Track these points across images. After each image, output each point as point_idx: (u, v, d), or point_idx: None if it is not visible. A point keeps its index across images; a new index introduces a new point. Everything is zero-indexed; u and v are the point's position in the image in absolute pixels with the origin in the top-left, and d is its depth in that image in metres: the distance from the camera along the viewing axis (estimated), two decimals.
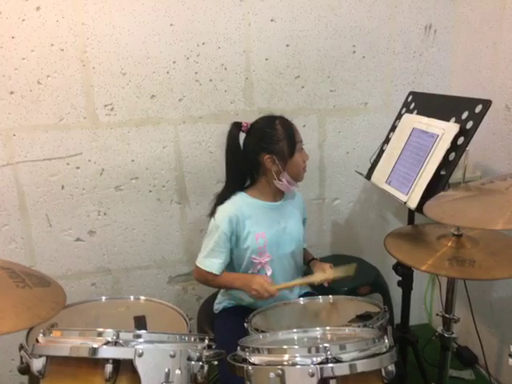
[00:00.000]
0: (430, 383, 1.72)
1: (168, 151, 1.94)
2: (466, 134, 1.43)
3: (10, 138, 1.79)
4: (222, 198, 1.57)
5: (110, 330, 1.00)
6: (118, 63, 1.81)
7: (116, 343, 0.99)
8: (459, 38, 2.07)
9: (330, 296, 1.51)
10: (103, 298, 1.46)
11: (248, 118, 1.58)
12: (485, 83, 1.93)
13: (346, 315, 1.36)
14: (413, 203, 1.48)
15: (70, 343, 1.00)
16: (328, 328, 1.18)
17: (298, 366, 0.97)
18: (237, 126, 1.55)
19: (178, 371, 1.02)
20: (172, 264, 2.08)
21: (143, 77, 1.85)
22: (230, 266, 1.58)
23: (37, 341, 1.03)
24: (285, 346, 1.02)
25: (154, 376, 1.00)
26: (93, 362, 0.99)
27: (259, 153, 1.51)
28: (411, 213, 1.75)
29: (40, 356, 1.01)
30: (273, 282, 1.46)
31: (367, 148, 2.07)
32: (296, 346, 1.05)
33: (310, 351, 0.99)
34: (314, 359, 0.96)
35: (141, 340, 1.02)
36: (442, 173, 1.45)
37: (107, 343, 0.98)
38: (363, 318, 1.30)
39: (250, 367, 1.01)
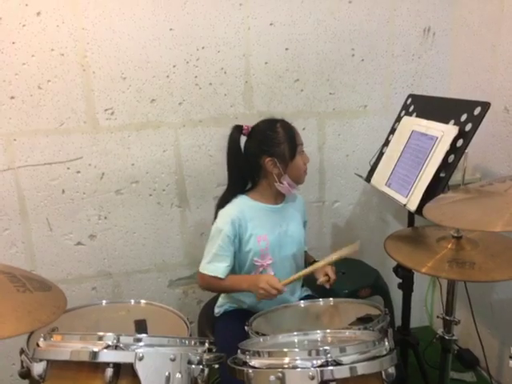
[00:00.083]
0: None
1: (168, 155, 1.95)
2: (465, 136, 1.43)
3: (11, 143, 1.80)
4: (223, 202, 1.57)
5: (110, 334, 1.00)
6: (118, 68, 1.82)
7: (116, 347, 0.99)
8: (458, 41, 2.08)
9: (331, 299, 1.51)
10: (104, 301, 1.46)
11: (248, 122, 1.59)
12: (484, 85, 1.93)
13: (346, 318, 1.37)
14: (412, 205, 1.48)
15: (70, 347, 1.00)
16: (328, 331, 1.19)
17: (299, 369, 0.97)
18: (238, 130, 1.56)
19: (178, 375, 1.02)
20: (172, 267, 2.08)
21: (143, 81, 1.85)
22: (232, 269, 1.58)
23: (37, 345, 1.03)
24: (285, 349, 1.02)
25: (155, 380, 1.00)
26: (93, 366, 0.99)
27: (260, 156, 1.52)
28: (411, 215, 1.76)
29: (41, 360, 1.01)
30: (279, 280, 1.44)
31: (367, 151, 2.08)
32: (296, 349, 1.05)
33: (310, 354, 0.99)
34: (314, 362, 0.96)
35: (141, 344, 1.02)
36: (442, 175, 1.45)
37: (108, 347, 0.98)
38: (364, 321, 1.30)
39: (250, 370, 1.01)
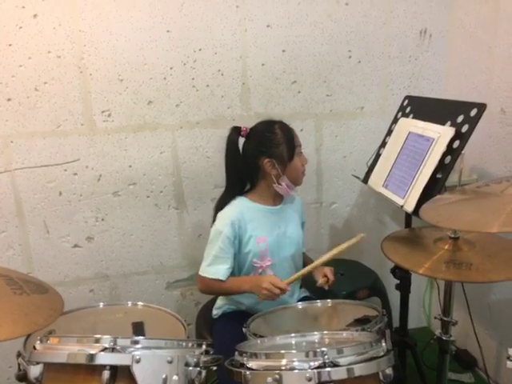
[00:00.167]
0: None
1: (165, 157, 1.95)
2: (461, 137, 1.43)
3: (8, 145, 1.79)
4: (221, 204, 1.57)
5: (107, 337, 1.00)
6: (115, 69, 1.82)
7: (113, 349, 0.99)
8: (454, 43, 2.08)
9: (329, 300, 1.51)
10: (101, 304, 1.45)
11: (245, 123, 1.59)
12: (480, 87, 1.94)
13: (344, 319, 1.36)
14: (409, 207, 1.48)
15: (67, 350, 1.00)
16: (326, 332, 1.18)
17: (296, 371, 0.97)
18: (236, 131, 1.56)
19: (175, 377, 1.02)
20: (170, 269, 2.07)
21: (140, 83, 1.85)
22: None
23: (34, 348, 1.03)
24: (282, 351, 1.02)
25: (152, 382, 1.00)
26: (90, 369, 0.99)
27: (259, 157, 1.52)
28: (408, 216, 1.76)
29: (37, 363, 1.01)
30: (281, 279, 1.43)
31: (364, 152, 2.09)
32: (293, 351, 1.05)
33: (307, 356, 0.99)
34: (312, 364, 0.96)
35: (138, 346, 1.01)
36: (438, 176, 1.46)
37: (104, 349, 0.98)
38: (361, 322, 1.30)
39: (247, 372, 1.01)
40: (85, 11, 1.74)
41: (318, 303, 1.51)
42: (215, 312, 1.68)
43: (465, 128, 1.43)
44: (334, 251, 1.48)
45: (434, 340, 1.53)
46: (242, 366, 1.04)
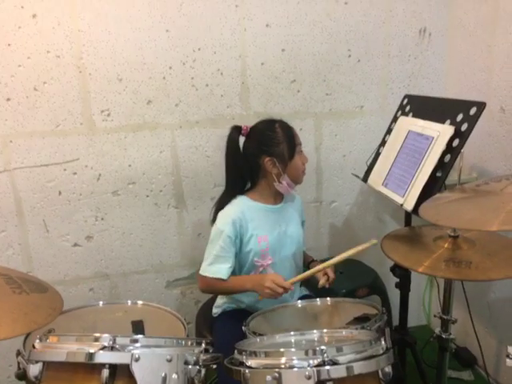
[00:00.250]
0: None
1: (165, 156, 1.95)
2: (461, 136, 1.43)
3: (7, 145, 1.79)
4: (222, 203, 1.57)
5: (106, 335, 1.00)
6: (115, 69, 1.82)
7: (112, 348, 0.99)
8: (454, 41, 2.08)
9: (328, 298, 1.51)
10: (100, 303, 1.46)
11: (244, 122, 1.59)
12: (479, 85, 1.94)
13: (344, 317, 1.37)
14: (409, 205, 1.48)
15: (66, 349, 1.00)
16: (325, 330, 1.18)
17: (295, 369, 0.97)
18: (236, 130, 1.56)
19: (174, 375, 1.02)
20: (170, 268, 2.08)
21: (139, 82, 1.85)
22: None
23: (33, 346, 1.03)
24: (281, 349, 1.02)
25: (151, 381, 1.00)
26: (89, 367, 0.99)
27: (259, 155, 1.52)
28: (408, 215, 1.76)
29: (36, 362, 1.00)
30: (284, 278, 1.43)
31: (363, 151, 2.09)
32: (293, 349, 1.05)
33: (306, 354, 0.99)
34: (311, 362, 0.96)
35: (137, 345, 1.01)
36: (438, 175, 1.46)
37: (104, 348, 0.98)
38: (361, 320, 1.30)
39: (247, 370, 1.01)
40: (84, 11, 1.74)
41: (318, 301, 1.51)
42: (215, 310, 1.68)
43: (464, 126, 1.43)
44: (343, 255, 1.46)
45: (434, 338, 1.54)
46: (242, 364, 1.04)
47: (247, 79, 1.95)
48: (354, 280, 1.94)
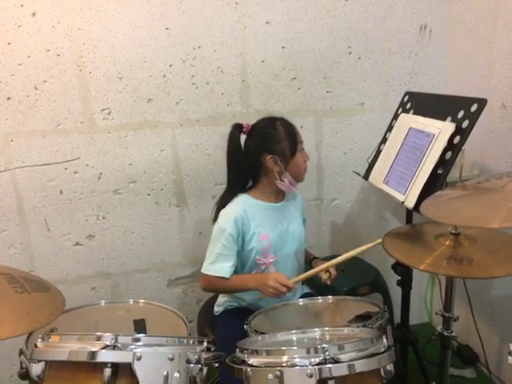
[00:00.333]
0: (430, 382, 1.71)
1: (166, 154, 1.95)
2: (462, 132, 1.43)
3: (8, 144, 1.79)
4: (224, 201, 1.57)
5: (108, 334, 1.00)
6: (115, 67, 1.81)
7: (114, 347, 0.99)
8: (454, 38, 2.07)
9: (330, 296, 1.51)
10: (102, 302, 1.46)
11: (245, 120, 1.59)
12: (480, 82, 1.93)
13: (345, 315, 1.37)
14: (410, 203, 1.48)
15: (68, 348, 1.00)
16: (327, 329, 1.19)
17: (297, 367, 0.97)
18: (238, 128, 1.56)
19: (176, 374, 1.02)
20: (171, 267, 2.08)
21: (140, 81, 1.85)
22: None
23: (36, 346, 1.03)
24: (283, 348, 1.02)
25: (153, 379, 1.00)
26: (91, 366, 0.99)
27: (261, 153, 1.52)
28: (409, 212, 1.76)
29: (39, 361, 1.01)
30: (287, 277, 1.43)
31: (364, 148, 2.08)
32: (294, 348, 1.05)
33: (308, 352, 0.99)
34: (313, 360, 0.97)
35: (139, 343, 1.02)
36: (439, 172, 1.45)
37: (106, 347, 0.99)
38: (362, 318, 1.30)
39: (248, 369, 1.02)
40: (83, 9, 1.74)
41: (319, 300, 1.51)
42: (217, 309, 1.68)
43: (465, 123, 1.43)
44: (348, 254, 1.47)
45: (436, 336, 1.53)
46: (243, 362, 1.04)
47: (247, 77, 1.95)
48: (356, 278, 1.94)
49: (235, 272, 1.55)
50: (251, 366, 1.02)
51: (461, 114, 1.46)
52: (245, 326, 1.33)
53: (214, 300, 1.73)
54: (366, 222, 2.27)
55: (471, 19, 1.96)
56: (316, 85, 2.03)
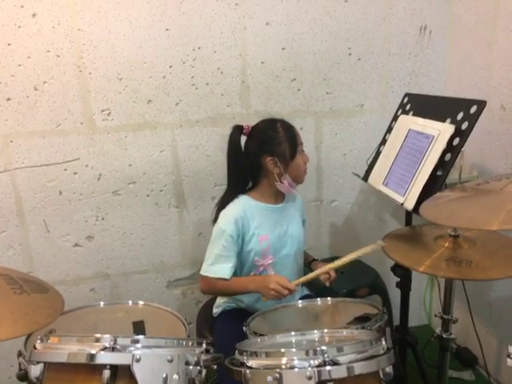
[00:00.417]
0: None
1: (165, 155, 1.95)
2: (461, 134, 1.43)
3: (7, 145, 1.79)
4: (224, 203, 1.57)
5: (107, 336, 1.00)
6: (115, 68, 1.81)
7: (113, 349, 0.99)
8: (454, 39, 2.08)
9: (329, 298, 1.51)
10: (101, 303, 1.46)
11: (245, 121, 1.59)
12: (480, 83, 1.93)
13: (344, 317, 1.36)
14: (409, 204, 1.48)
15: (67, 349, 1.00)
16: (326, 330, 1.18)
17: (296, 369, 0.97)
18: (238, 129, 1.56)
19: (175, 376, 1.02)
20: (171, 268, 2.08)
21: (140, 81, 1.85)
22: None
23: (34, 347, 1.03)
24: (282, 350, 1.02)
25: (152, 381, 1.00)
26: (90, 368, 0.99)
27: (261, 155, 1.52)
28: (408, 214, 1.76)
29: (38, 362, 1.00)
30: (288, 279, 1.43)
31: (364, 150, 2.08)
32: (293, 350, 1.05)
33: (307, 354, 0.99)
34: (312, 362, 0.96)
35: (138, 345, 1.01)
36: (439, 173, 1.46)
37: (105, 349, 0.98)
38: (361, 320, 1.30)
39: (247, 371, 1.01)
40: (83, 10, 1.74)
41: (319, 301, 1.51)
42: (215, 310, 1.68)
43: (465, 125, 1.43)
44: (349, 257, 1.46)
45: (435, 338, 1.54)
46: (242, 364, 1.04)
47: (247, 78, 1.95)
48: (355, 280, 1.94)
49: (234, 274, 1.55)
50: (250, 368, 1.02)
51: (460, 115, 1.47)
52: (244, 328, 1.32)
53: (212, 302, 1.73)
54: (366, 223, 2.27)
55: (471, 20, 1.96)
56: (316, 86, 2.03)
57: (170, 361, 1.02)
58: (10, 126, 1.78)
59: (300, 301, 1.54)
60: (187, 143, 1.96)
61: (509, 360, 1.11)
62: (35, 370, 1.00)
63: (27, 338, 1.20)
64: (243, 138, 1.57)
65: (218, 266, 1.50)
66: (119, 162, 1.91)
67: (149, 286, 2.07)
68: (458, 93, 2.04)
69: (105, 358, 0.98)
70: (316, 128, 2.09)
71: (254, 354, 1.04)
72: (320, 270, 1.48)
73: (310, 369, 0.96)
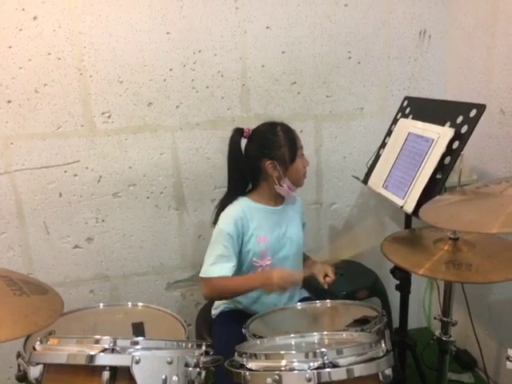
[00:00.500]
0: None
1: (165, 158, 1.95)
2: (460, 138, 1.44)
3: (8, 147, 1.80)
4: (224, 205, 1.58)
5: (106, 337, 1.00)
6: (115, 71, 1.82)
7: (113, 350, 0.99)
8: (453, 43, 2.09)
9: (328, 300, 1.51)
10: (101, 304, 1.45)
11: (245, 125, 1.59)
12: (479, 87, 1.94)
13: (344, 320, 1.37)
14: (409, 207, 1.48)
15: (67, 351, 1.00)
16: (325, 333, 1.18)
17: (295, 372, 0.97)
18: (238, 132, 1.56)
19: (175, 378, 1.02)
20: (170, 270, 2.08)
21: (140, 84, 1.86)
22: None
23: (34, 348, 1.03)
24: (282, 352, 1.02)
25: (152, 383, 1.00)
26: (90, 370, 0.99)
27: (261, 158, 1.52)
28: (408, 217, 1.76)
29: (37, 364, 1.01)
30: (290, 272, 1.44)
31: (364, 153, 2.09)
32: (293, 352, 1.05)
33: (307, 356, 0.99)
34: (311, 364, 0.97)
35: (138, 347, 1.01)
36: (438, 177, 1.46)
37: (104, 350, 0.98)
38: (361, 323, 1.30)
39: (247, 373, 1.01)
40: (84, 13, 1.75)
41: (318, 304, 1.51)
42: (214, 312, 1.68)
43: (464, 129, 1.44)
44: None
45: (434, 340, 1.53)
46: (242, 366, 1.04)
47: (247, 81, 1.96)
48: (354, 282, 1.94)
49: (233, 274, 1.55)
50: (250, 369, 1.02)
51: (460, 119, 1.47)
52: (243, 330, 1.32)
53: (211, 304, 1.73)
54: (365, 226, 2.27)
55: (470, 25, 1.97)
56: (316, 89, 2.04)
57: (170, 362, 1.02)
58: (11, 128, 1.78)
59: (299, 303, 1.54)
60: (187, 146, 1.96)
61: (508, 363, 1.11)
62: (34, 371, 1.00)
63: (26, 339, 1.19)
64: (243, 141, 1.58)
65: (219, 266, 1.49)
66: (119, 165, 1.91)
67: (148, 287, 2.07)
68: (458, 97, 2.05)
69: (104, 359, 0.98)
70: (316, 131, 2.09)
71: (254, 356, 1.04)
72: (320, 272, 1.48)
73: (309, 371, 0.96)
